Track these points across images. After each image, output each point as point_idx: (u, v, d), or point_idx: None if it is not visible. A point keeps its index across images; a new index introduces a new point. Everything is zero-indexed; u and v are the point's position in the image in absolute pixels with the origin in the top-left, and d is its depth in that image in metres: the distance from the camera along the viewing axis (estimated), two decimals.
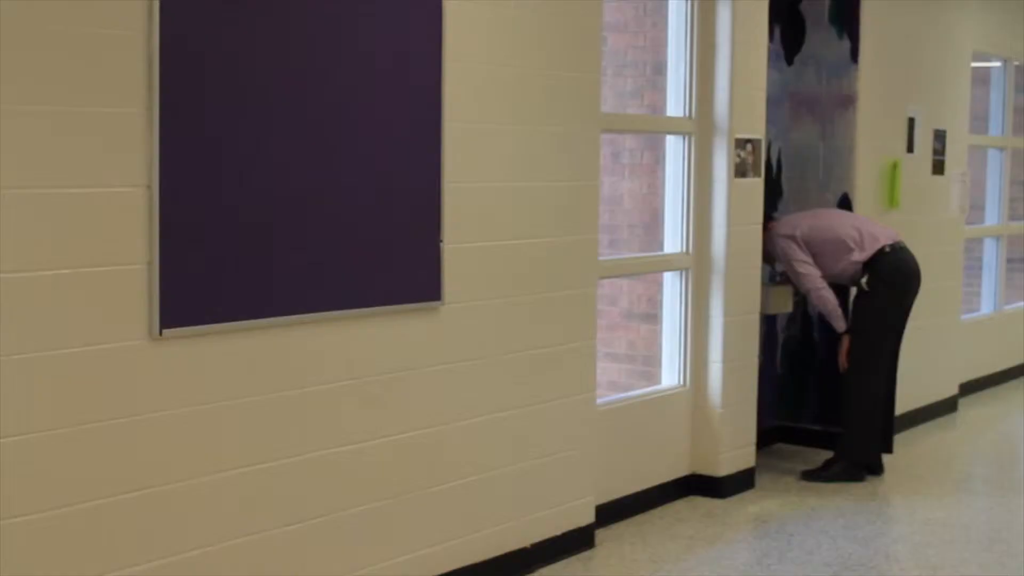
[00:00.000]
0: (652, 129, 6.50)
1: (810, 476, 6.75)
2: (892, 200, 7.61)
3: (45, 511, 3.49)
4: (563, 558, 5.30)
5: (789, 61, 7.35)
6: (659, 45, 6.53)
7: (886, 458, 6.92)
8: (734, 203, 6.22)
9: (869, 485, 6.68)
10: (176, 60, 3.69)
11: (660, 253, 6.36)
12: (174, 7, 3.67)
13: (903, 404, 7.36)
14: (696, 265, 6.27)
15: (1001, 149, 9.73)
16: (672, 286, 6.34)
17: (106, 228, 3.58)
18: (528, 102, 4.99)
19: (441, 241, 4.61)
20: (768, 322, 7.21)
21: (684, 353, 6.31)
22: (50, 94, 3.43)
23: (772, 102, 6.79)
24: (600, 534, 5.56)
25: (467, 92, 4.68)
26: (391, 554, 4.53)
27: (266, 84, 3.98)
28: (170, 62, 3.67)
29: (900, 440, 7.30)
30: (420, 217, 4.54)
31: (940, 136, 8.22)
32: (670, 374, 6.36)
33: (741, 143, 6.24)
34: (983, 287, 9.82)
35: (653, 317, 6.68)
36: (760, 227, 6.50)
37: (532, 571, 5.14)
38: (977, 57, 8.89)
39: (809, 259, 6.67)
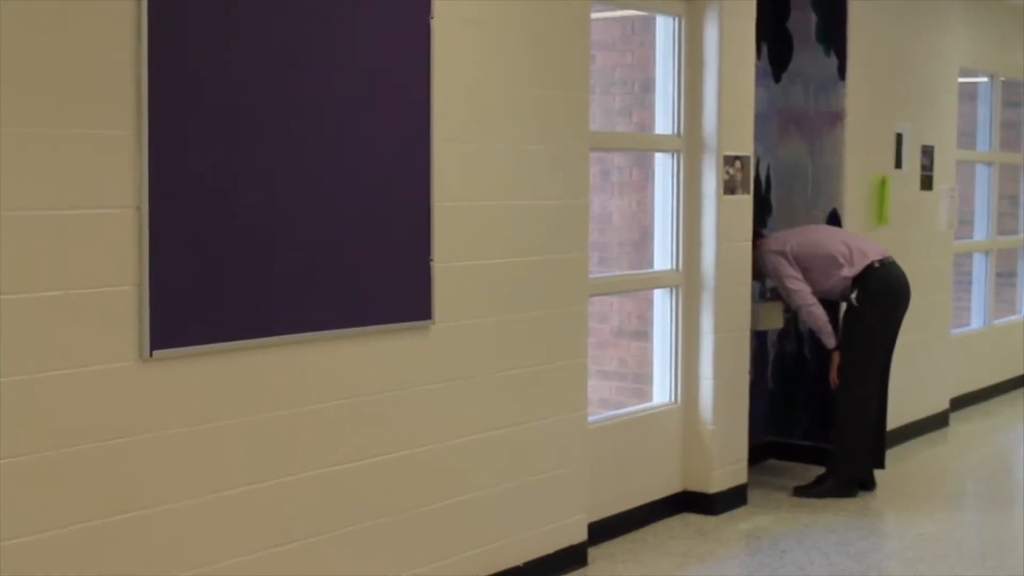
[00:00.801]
0: (641, 147, 6.52)
1: (802, 492, 6.75)
2: (881, 216, 7.63)
3: (38, 533, 3.48)
4: None
5: (777, 78, 7.38)
6: (647, 63, 6.56)
7: (878, 474, 6.93)
8: (723, 220, 6.23)
9: (861, 501, 6.69)
10: (165, 82, 3.70)
11: (650, 270, 6.36)
12: (163, 29, 3.68)
13: (894, 419, 7.37)
14: (686, 282, 6.28)
15: (989, 164, 9.76)
16: (662, 303, 6.35)
17: (96, 250, 3.58)
18: (517, 121, 5.00)
19: (431, 260, 4.62)
20: (759, 338, 7.22)
21: (675, 370, 6.31)
22: (39, 116, 3.43)
23: (760, 119, 6.81)
24: (593, 552, 5.55)
25: (456, 111, 4.69)
26: (383, 573, 4.52)
27: (255, 105, 3.99)
28: (159, 84, 3.68)
29: (892, 455, 7.31)
30: (410, 236, 4.55)
31: (928, 152, 8.24)
32: (661, 391, 6.37)
33: (730, 160, 6.26)
34: (972, 302, 9.84)
35: (643, 334, 6.68)
36: (750, 244, 6.52)
37: None
38: (964, 73, 8.93)
39: (799, 275, 6.69)
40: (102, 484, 3.63)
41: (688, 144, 6.24)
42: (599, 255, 6.78)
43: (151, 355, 3.71)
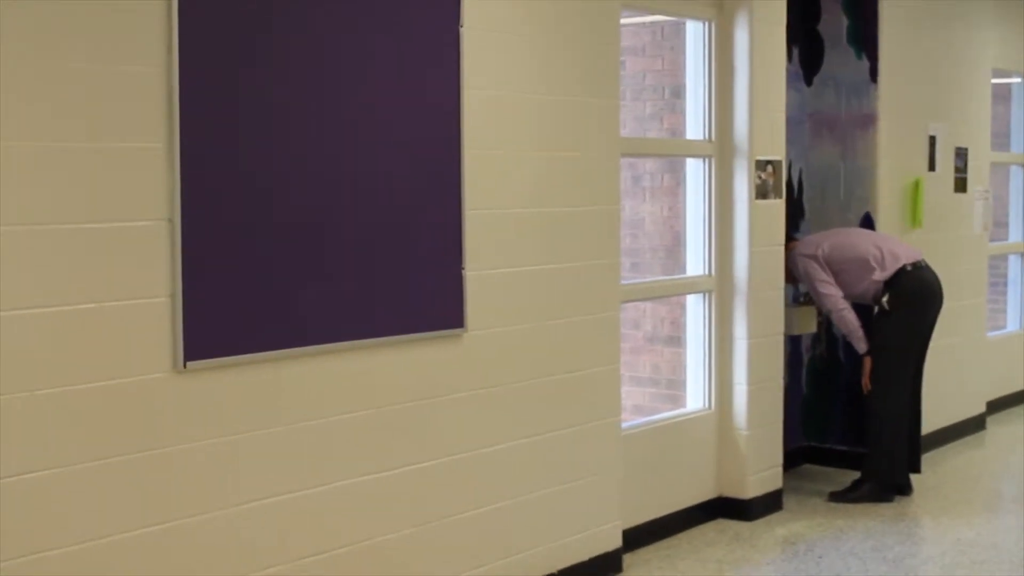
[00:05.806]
0: (672, 152, 6.51)
1: (838, 497, 6.72)
2: (915, 219, 7.58)
3: (73, 545, 3.50)
4: None
5: (808, 82, 7.35)
6: (677, 68, 6.54)
7: (914, 478, 6.88)
8: (756, 225, 6.21)
9: (897, 505, 6.64)
10: (196, 94, 3.71)
11: (683, 276, 6.35)
12: (193, 42, 3.70)
13: (930, 423, 7.32)
14: (719, 287, 6.27)
15: (1023, 166, 9.69)
16: (695, 309, 6.33)
17: (129, 262, 3.60)
18: (547, 128, 5.00)
19: (463, 268, 4.62)
20: (792, 343, 7.19)
21: (709, 376, 6.29)
22: (71, 131, 3.46)
23: (792, 123, 6.79)
24: (628, 559, 5.54)
25: (486, 118, 4.70)
26: None
27: (286, 115, 4.00)
28: (190, 96, 3.70)
29: (928, 459, 7.26)
30: (442, 245, 4.55)
31: (962, 154, 8.19)
32: (695, 397, 6.35)
33: (761, 164, 6.24)
34: (1008, 304, 9.76)
35: (677, 340, 6.67)
36: (782, 248, 6.49)
37: None
38: (997, 74, 8.87)
39: (830, 279, 6.65)
40: (137, 495, 3.65)
41: (719, 149, 6.22)
42: (631, 261, 6.77)
43: (185, 366, 3.72)
